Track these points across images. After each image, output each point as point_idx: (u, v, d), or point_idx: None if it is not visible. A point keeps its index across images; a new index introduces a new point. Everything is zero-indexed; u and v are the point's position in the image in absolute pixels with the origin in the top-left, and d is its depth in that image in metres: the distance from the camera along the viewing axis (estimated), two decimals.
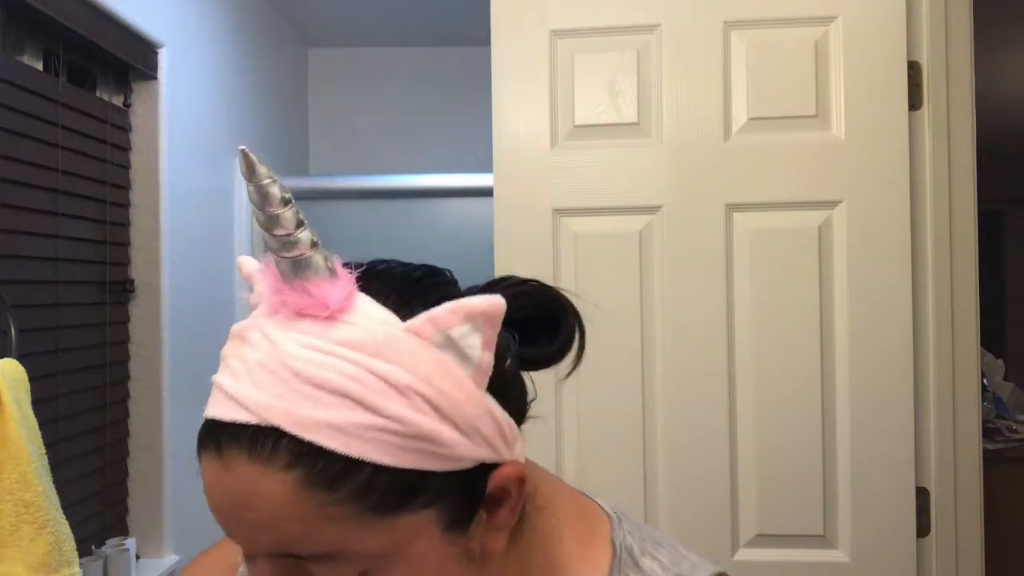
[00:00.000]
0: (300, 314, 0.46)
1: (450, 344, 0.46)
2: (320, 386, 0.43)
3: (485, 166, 1.65)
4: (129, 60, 1.71)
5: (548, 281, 0.57)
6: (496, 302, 0.47)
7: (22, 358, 1.23)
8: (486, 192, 1.78)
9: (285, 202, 0.45)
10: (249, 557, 0.47)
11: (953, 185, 1.49)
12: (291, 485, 0.43)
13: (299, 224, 0.45)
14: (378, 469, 0.44)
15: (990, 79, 3.61)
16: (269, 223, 0.45)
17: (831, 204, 1.48)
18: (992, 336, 3.74)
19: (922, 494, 1.47)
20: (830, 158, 1.48)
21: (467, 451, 0.46)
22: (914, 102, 1.49)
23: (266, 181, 0.44)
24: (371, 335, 0.45)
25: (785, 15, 1.50)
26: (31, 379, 1.22)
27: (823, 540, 1.47)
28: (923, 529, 1.47)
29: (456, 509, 0.47)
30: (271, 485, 0.43)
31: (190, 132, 1.96)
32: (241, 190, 2.27)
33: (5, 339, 1.27)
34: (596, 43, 1.53)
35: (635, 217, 1.52)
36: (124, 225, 1.78)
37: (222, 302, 2.17)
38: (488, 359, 0.47)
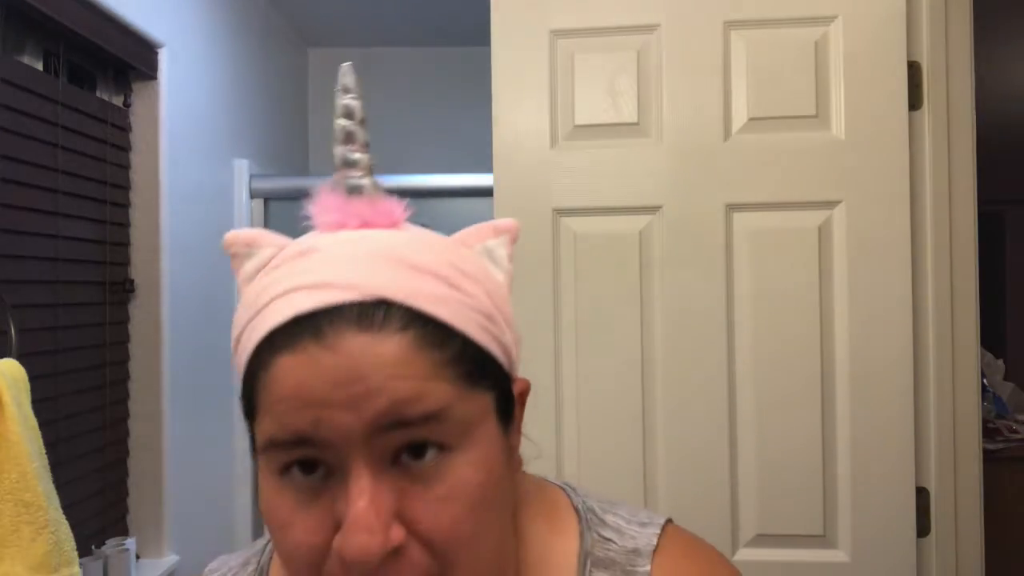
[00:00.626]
0: (366, 224, 0.51)
1: (487, 253, 0.54)
2: (414, 266, 0.48)
3: (485, 166, 1.65)
4: (129, 60, 1.71)
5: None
6: (516, 222, 0.56)
7: (22, 358, 1.23)
8: (486, 192, 1.78)
9: (362, 122, 0.52)
10: (337, 464, 0.47)
11: (953, 185, 1.49)
12: (406, 345, 0.46)
13: (366, 145, 0.52)
14: (466, 341, 0.49)
15: (990, 79, 3.61)
16: (346, 137, 0.52)
17: (831, 204, 1.49)
18: (992, 336, 3.74)
19: (922, 494, 1.47)
20: (830, 158, 1.48)
21: (509, 343, 0.53)
22: (914, 102, 1.49)
23: (353, 95, 0.52)
24: (435, 237, 0.52)
25: (785, 15, 1.50)
26: (31, 379, 1.22)
27: (823, 540, 1.47)
28: (923, 529, 1.47)
29: (502, 402, 0.52)
30: (387, 347, 0.46)
31: (190, 132, 1.96)
32: (241, 190, 2.28)
33: (5, 339, 1.27)
34: (596, 43, 1.53)
35: (635, 217, 1.52)
36: (124, 225, 1.78)
37: (222, 302, 2.17)
38: (511, 269, 0.55)
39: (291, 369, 0.46)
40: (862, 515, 1.46)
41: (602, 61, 1.52)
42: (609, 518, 0.59)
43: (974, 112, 1.50)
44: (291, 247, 0.52)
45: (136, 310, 1.80)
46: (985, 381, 3.01)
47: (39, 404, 1.28)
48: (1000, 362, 3.21)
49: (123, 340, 1.78)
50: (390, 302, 0.47)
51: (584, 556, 0.56)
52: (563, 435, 1.51)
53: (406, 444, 0.46)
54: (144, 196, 1.80)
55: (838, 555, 1.47)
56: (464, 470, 0.47)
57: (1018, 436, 2.85)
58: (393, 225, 0.52)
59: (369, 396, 0.45)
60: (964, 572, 1.47)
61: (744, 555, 1.48)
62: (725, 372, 1.49)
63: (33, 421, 1.20)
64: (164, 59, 1.82)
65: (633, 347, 1.50)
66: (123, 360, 1.78)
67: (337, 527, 0.46)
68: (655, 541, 0.56)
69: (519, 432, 0.55)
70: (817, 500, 1.47)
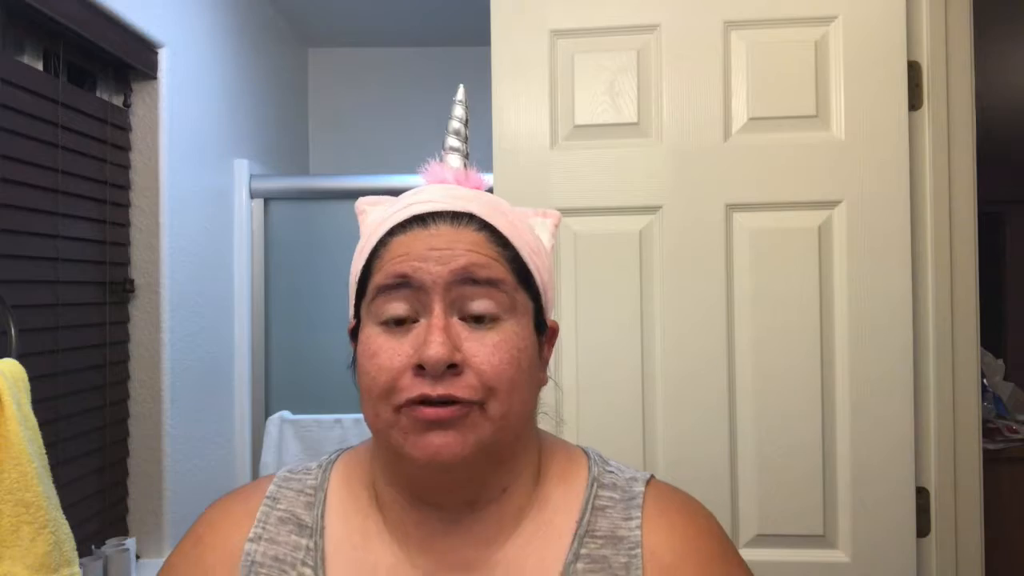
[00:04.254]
0: (459, 183, 0.74)
1: (537, 226, 0.76)
2: (489, 202, 0.71)
3: (485, 166, 1.64)
4: (129, 60, 1.71)
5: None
6: (558, 214, 0.80)
7: (22, 358, 1.23)
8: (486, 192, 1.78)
9: (466, 123, 0.78)
10: (421, 310, 0.66)
11: (953, 185, 1.49)
12: (481, 236, 0.68)
13: (466, 139, 0.78)
14: (518, 254, 0.70)
15: (990, 79, 3.61)
16: (455, 132, 0.77)
17: (831, 204, 1.49)
18: (992, 336, 3.74)
19: (922, 494, 1.47)
20: (830, 158, 1.48)
21: (547, 282, 0.73)
22: (914, 102, 1.49)
23: (463, 104, 0.78)
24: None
25: (785, 15, 1.50)
26: (31, 379, 1.22)
27: (823, 540, 1.47)
28: (923, 529, 1.47)
29: (538, 317, 0.71)
30: (468, 234, 0.68)
31: (190, 132, 1.96)
32: (241, 190, 2.28)
33: (5, 339, 1.27)
34: (596, 43, 1.53)
35: (635, 217, 1.52)
36: (124, 225, 1.78)
37: (222, 302, 2.17)
38: (551, 250, 0.77)
39: (401, 241, 0.68)
40: (862, 515, 1.46)
41: (602, 61, 1.52)
42: (612, 463, 0.77)
43: (974, 112, 1.50)
44: (394, 199, 0.74)
45: (136, 310, 1.80)
46: (985, 381, 3.00)
47: (39, 404, 1.28)
48: (1000, 362, 3.21)
49: (123, 340, 1.78)
50: (472, 214, 0.69)
51: (592, 480, 0.74)
52: (563, 435, 1.50)
53: (473, 305, 0.66)
54: (144, 196, 1.80)
55: (838, 555, 1.47)
56: (509, 333, 0.66)
57: (1018, 436, 2.84)
58: (476, 188, 0.74)
59: (453, 258, 0.66)
60: (964, 572, 1.47)
61: (744, 555, 1.46)
62: (725, 372, 1.49)
63: (33, 421, 1.20)
64: (164, 59, 1.82)
65: (633, 347, 1.50)
66: (123, 360, 1.78)
67: (411, 355, 0.64)
68: (648, 476, 0.76)
69: (547, 357, 0.74)
70: (817, 500, 1.47)
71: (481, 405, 0.64)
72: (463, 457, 0.64)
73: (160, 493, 1.80)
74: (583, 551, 0.69)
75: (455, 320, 0.65)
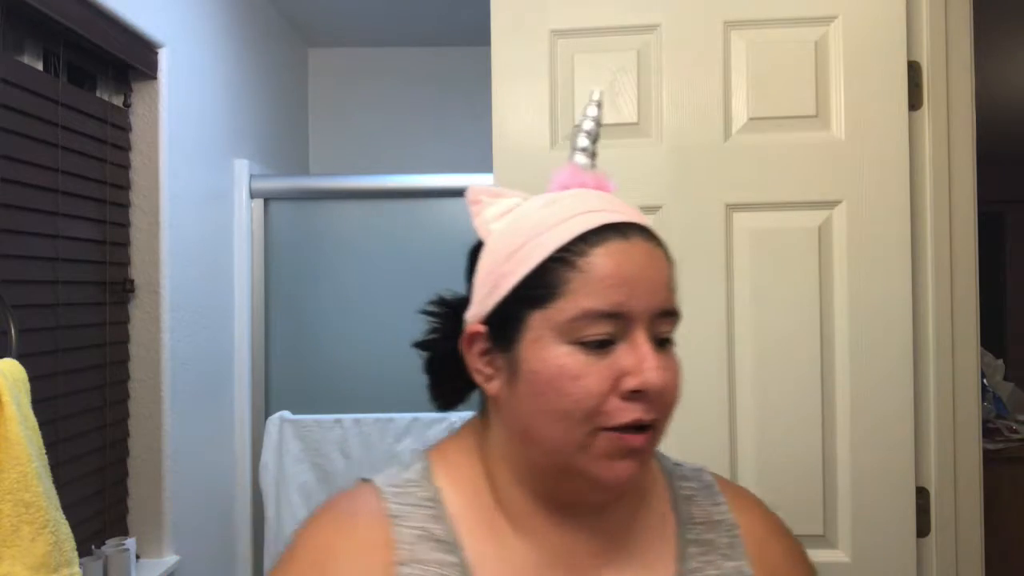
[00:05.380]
0: (597, 187, 0.73)
1: None
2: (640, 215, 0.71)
3: (485, 166, 1.65)
4: (129, 60, 1.71)
5: None
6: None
7: (22, 358, 1.23)
8: None
9: (599, 124, 0.75)
10: (620, 334, 0.66)
11: (953, 185, 1.49)
12: (663, 254, 0.69)
13: (597, 140, 0.75)
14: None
15: (990, 79, 3.61)
16: (588, 134, 0.74)
17: (831, 204, 1.48)
18: (992, 336, 3.74)
19: (922, 494, 1.47)
20: (830, 158, 1.48)
21: None
22: (914, 102, 1.49)
23: (599, 108, 0.74)
24: None
25: (785, 15, 1.50)
26: (31, 379, 1.22)
27: (823, 540, 1.47)
28: (923, 529, 1.47)
29: None
30: (662, 258, 0.69)
31: (190, 132, 1.96)
32: (241, 190, 2.28)
33: (5, 339, 1.27)
34: (596, 43, 1.53)
35: None
36: (124, 225, 1.78)
37: (222, 302, 2.17)
38: None
39: (608, 256, 0.66)
40: (862, 515, 1.46)
41: (602, 61, 1.52)
42: (665, 456, 0.84)
43: (974, 112, 1.50)
44: (539, 197, 0.73)
45: (136, 310, 1.80)
46: (985, 381, 3.01)
47: (39, 404, 1.28)
48: (1000, 362, 3.21)
49: (123, 340, 1.78)
50: (649, 229, 0.69)
51: (667, 472, 0.82)
52: None
53: (662, 329, 0.67)
54: (144, 196, 1.80)
55: (838, 555, 1.47)
56: (675, 354, 0.70)
57: (1018, 436, 2.85)
58: (607, 191, 0.73)
59: (661, 287, 0.67)
60: (964, 572, 1.47)
61: None
62: (725, 372, 1.49)
63: (33, 421, 1.20)
64: (164, 59, 1.82)
65: None
66: (123, 360, 1.78)
67: (617, 379, 0.64)
68: (702, 467, 0.86)
69: None
70: (817, 500, 1.47)
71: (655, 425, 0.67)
72: (636, 479, 0.68)
73: (160, 493, 1.80)
74: (689, 536, 0.75)
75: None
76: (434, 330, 0.77)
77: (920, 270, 1.48)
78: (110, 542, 1.63)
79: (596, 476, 0.66)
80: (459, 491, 0.72)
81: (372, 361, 2.34)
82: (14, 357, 1.22)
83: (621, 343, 0.65)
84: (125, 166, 1.78)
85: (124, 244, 1.78)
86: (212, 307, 2.09)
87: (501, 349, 0.69)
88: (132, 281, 1.78)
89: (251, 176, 2.30)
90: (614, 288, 0.65)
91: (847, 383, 1.47)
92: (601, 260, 0.65)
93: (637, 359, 0.65)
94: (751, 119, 1.50)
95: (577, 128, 0.75)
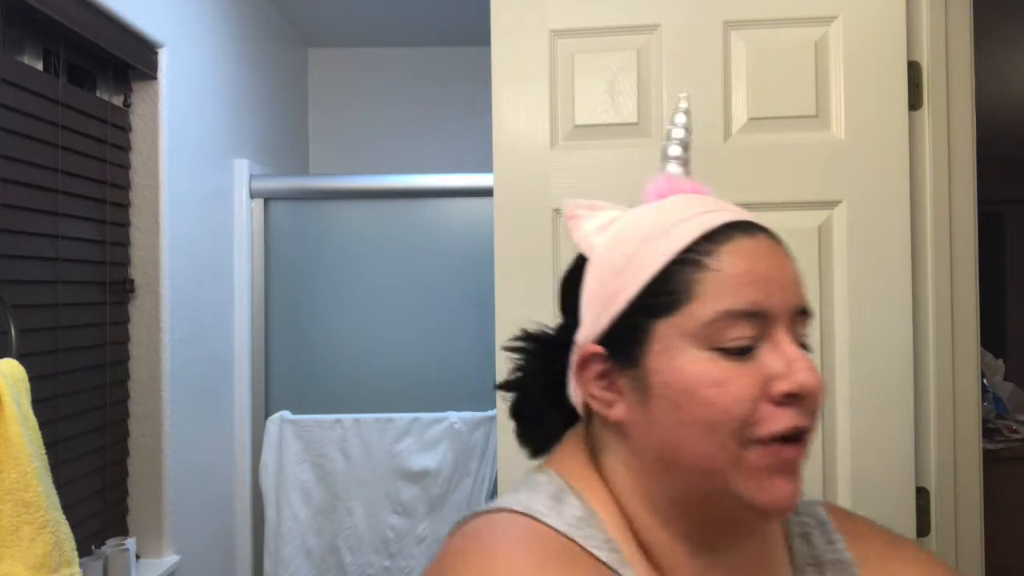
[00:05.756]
0: (697, 191, 0.71)
1: None
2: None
3: (485, 166, 1.65)
4: (129, 60, 1.71)
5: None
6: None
7: (22, 358, 1.23)
8: (486, 192, 1.78)
9: (689, 131, 0.74)
10: (760, 336, 0.61)
11: (953, 185, 1.49)
12: (785, 251, 0.65)
13: (688, 147, 0.74)
14: None
15: (990, 79, 3.61)
16: (679, 142, 0.74)
17: (831, 204, 1.48)
18: (992, 336, 3.74)
19: (922, 494, 1.47)
20: (830, 158, 1.48)
21: None
22: (914, 102, 1.49)
23: (688, 114, 0.75)
24: None
25: (785, 15, 1.50)
26: (31, 379, 1.22)
27: None
28: (923, 529, 1.47)
29: None
30: (782, 252, 0.64)
31: (190, 132, 1.96)
32: (241, 190, 2.27)
33: (5, 339, 1.27)
34: (596, 43, 1.53)
35: None
36: (124, 225, 1.78)
37: (222, 302, 2.17)
38: None
39: (738, 254, 0.62)
40: (862, 515, 1.46)
41: (602, 61, 1.52)
42: None
43: (974, 112, 1.50)
44: (642, 207, 0.71)
45: (136, 310, 1.80)
46: (985, 381, 3.00)
47: (39, 404, 1.28)
48: (1000, 362, 3.21)
49: (123, 340, 1.78)
50: (768, 228, 0.65)
51: None
52: None
53: (801, 330, 0.63)
54: (144, 196, 1.80)
55: None
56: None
57: (1018, 436, 2.84)
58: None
59: (795, 285, 0.63)
60: (964, 572, 1.47)
61: None
62: None
63: (33, 421, 1.20)
64: (164, 59, 1.82)
65: None
66: (123, 360, 1.78)
67: (764, 383, 0.60)
68: (814, 499, 0.77)
69: None
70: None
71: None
72: (797, 502, 0.61)
73: (160, 493, 1.80)
74: None
75: None
76: (519, 367, 0.71)
77: (920, 270, 1.48)
78: (110, 542, 1.63)
79: (751, 498, 0.60)
80: (617, 532, 0.65)
81: (372, 361, 2.34)
82: (14, 357, 1.22)
83: (762, 345, 0.61)
84: (125, 166, 1.78)
85: (124, 244, 1.78)
86: (212, 307, 2.09)
87: (622, 368, 0.64)
88: (132, 281, 1.78)
89: (251, 176, 2.30)
90: (750, 286, 0.60)
91: (847, 382, 1.47)
92: (731, 258, 0.61)
93: (785, 361, 0.60)
94: (751, 119, 1.50)
95: (667, 137, 0.73)
